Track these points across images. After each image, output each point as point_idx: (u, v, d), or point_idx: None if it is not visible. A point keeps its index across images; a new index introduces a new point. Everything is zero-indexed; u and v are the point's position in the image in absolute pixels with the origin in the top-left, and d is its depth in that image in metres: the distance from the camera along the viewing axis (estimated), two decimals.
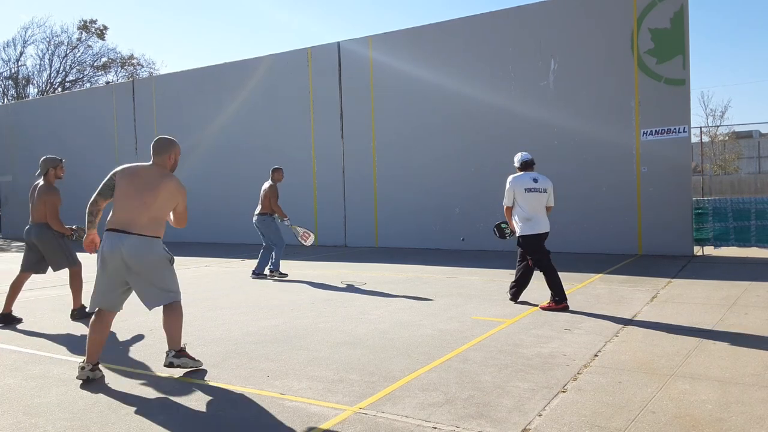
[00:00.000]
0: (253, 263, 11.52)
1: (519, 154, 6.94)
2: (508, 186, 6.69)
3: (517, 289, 6.92)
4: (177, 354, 4.50)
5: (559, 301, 6.48)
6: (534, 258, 6.67)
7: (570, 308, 6.46)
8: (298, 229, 9.89)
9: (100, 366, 4.47)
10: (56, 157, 6.68)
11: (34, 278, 6.99)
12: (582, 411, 3.54)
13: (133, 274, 4.33)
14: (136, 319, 6.32)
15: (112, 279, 4.34)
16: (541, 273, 6.65)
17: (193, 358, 4.58)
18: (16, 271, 6.61)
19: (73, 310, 6.68)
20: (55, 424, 3.53)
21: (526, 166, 6.80)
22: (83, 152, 18.89)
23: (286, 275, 9.60)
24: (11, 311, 6.56)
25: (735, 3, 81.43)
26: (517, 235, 6.76)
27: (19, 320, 6.55)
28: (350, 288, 8.35)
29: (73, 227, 6.61)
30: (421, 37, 13.75)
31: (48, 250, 6.51)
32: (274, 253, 9.65)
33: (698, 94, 53.49)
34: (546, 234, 6.74)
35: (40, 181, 6.58)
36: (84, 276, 6.70)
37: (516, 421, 3.41)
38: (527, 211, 6.60)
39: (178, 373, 4.48)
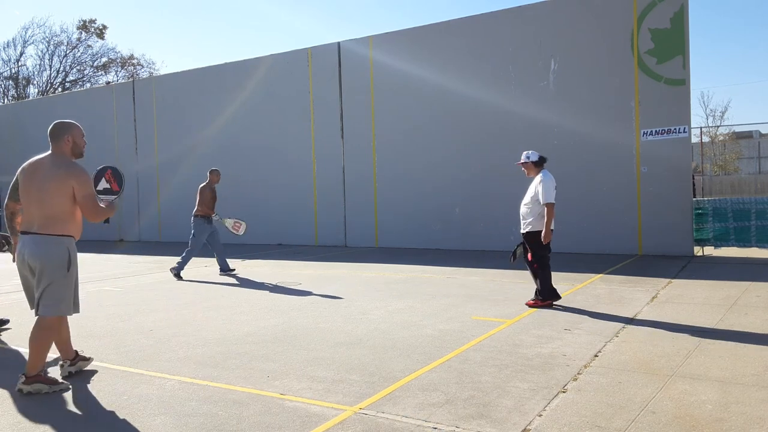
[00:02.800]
0: (253, 263, 11.54)
1: (533, 152, 6.73)
2: (549, 182, 6.45)
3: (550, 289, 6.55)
4: (28, 380, 3.98)
5: (544, 299, 6.55)
6: (541, 254, 6.51)
7: (559, 306, 6.53)
8: (228, 221, 9.94)
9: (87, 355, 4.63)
10: None
11: None
12: (582, 411, 3.54)
13: (34, 276, 3.99)
14: (135, 319, 6.32)
15: (26, 283, 4.13)
16: (530, 270, 6.63)
17: (52, 382, 4.06)
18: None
19: None
20: (55, 424, 3.53)
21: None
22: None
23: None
24: None
25: (735, 3, 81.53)
26: (535, 230, 6.47)
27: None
28: (351, 288, 8.34)
29: None
30: (421, 37, 13.74)
31: None
32: (187, 253, 9.65)
33: (698, 94, 53.51)
34: None
35: None
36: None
37: (516, 421, 3.41)
38: None
39: (186, 373, 4.48)
